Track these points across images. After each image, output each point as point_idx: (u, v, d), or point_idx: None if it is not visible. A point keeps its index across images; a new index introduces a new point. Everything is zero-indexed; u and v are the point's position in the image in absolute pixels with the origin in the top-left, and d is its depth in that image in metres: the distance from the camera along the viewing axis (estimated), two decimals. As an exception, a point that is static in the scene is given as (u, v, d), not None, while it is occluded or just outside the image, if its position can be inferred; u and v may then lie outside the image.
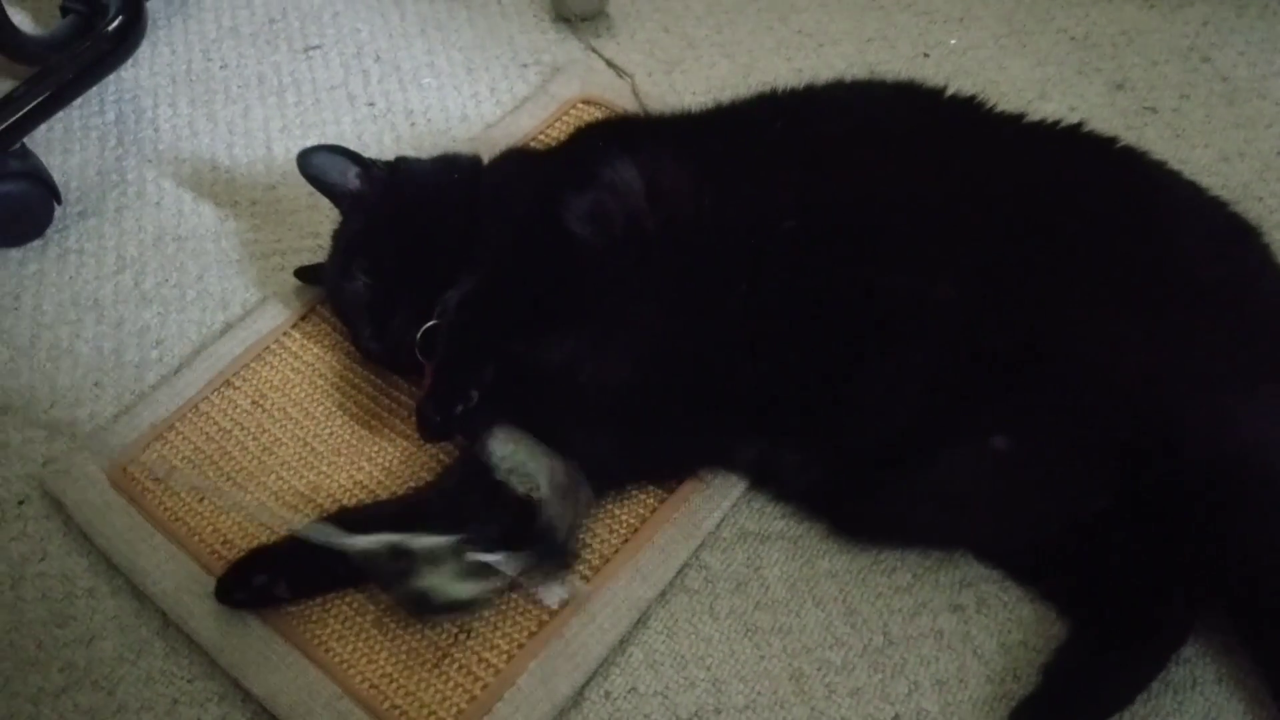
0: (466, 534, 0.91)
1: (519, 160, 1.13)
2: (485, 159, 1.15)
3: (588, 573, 0.99)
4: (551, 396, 0.98)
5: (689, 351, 0.97)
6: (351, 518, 0.98)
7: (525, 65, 1.49)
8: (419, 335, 1.02)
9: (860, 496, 0.98)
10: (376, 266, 1.06)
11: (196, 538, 1.03)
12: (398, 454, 1.09)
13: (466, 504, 0.98)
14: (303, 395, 1.14)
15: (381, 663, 0.95)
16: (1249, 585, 0.86)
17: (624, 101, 1.39)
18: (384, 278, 1.05)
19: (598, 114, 1.38)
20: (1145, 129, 1.34)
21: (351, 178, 1.11)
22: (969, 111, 1.05)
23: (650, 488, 1.04)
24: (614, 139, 1.06)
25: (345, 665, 0.95)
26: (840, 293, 0.94)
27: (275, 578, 0.95)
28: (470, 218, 1.04)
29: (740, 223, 0.97)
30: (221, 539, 1.03)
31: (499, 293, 0.99)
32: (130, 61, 1.49)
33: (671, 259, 0.97)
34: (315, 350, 1.18)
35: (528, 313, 0.98)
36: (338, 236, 1.12)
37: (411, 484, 1.05)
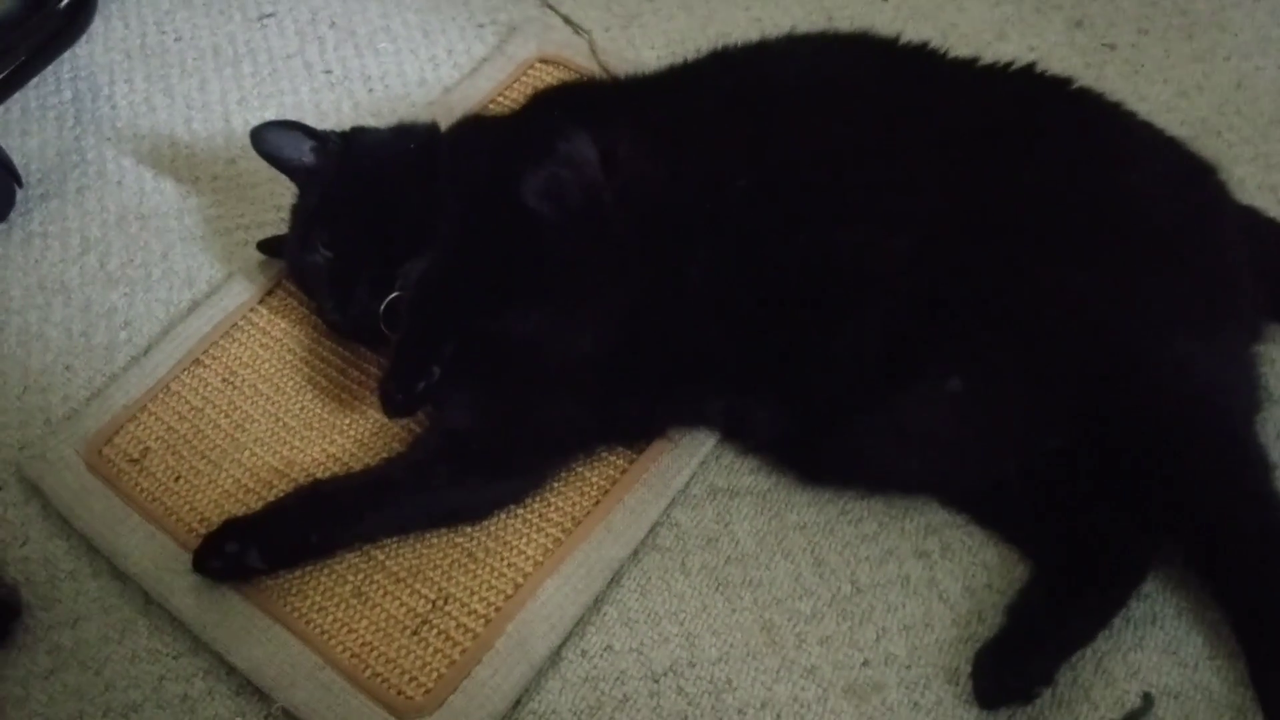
0: None
1: (475, 130, 1.12)
2: (443, 125, 1.14)
3: (560, 535, 1.01)
4: (516, 367, 0.99)
5: (652, 316, 0.97)
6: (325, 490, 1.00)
7: (481, 26, 1.47)
8: (383, 307, 1.03)
9: (826, 442, 0.99)
10: (336, 238, 1.06)
11: (174, 517, 1.04)
12: (369, 426, 1.10)
13: (436, 473, 0.99)
14: (272, 371, 1.15)
15: (361, 632, 0.97)
16: (1202, 525, 0.88)
17: (582, 59, 1.38)
18: (344, 250, 1.05)
19: (556, 74, 1.37)
20: (1104, 66, 1.33)
21: (306, 152, 1.10)
22: (921, 60, 1.04)
23: (619, 449, 1.05)
24: (568, 109, 1.06)
25: (326, 636, 0.97)
26: (797, 247, 0.95)
27: (246, 546, 0.96)
28: (428, 189, 1.04)
29: (695, 184, 0.97)
30: (199, 517, 1.04)
31: (456, 271, 0.99)
32: (84, 38, 1.47)
33: (630, 226, 0.97)
34: (283, 325, 1.18)
35: (486, 289, 0.98)
36: (296, 211, 1.12)
37: (384, 455, 1.06)
